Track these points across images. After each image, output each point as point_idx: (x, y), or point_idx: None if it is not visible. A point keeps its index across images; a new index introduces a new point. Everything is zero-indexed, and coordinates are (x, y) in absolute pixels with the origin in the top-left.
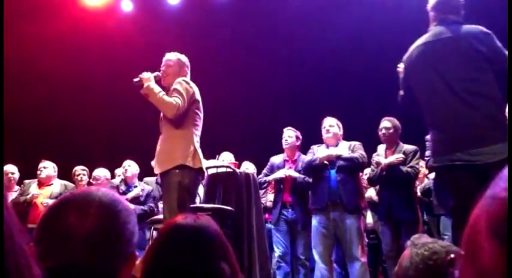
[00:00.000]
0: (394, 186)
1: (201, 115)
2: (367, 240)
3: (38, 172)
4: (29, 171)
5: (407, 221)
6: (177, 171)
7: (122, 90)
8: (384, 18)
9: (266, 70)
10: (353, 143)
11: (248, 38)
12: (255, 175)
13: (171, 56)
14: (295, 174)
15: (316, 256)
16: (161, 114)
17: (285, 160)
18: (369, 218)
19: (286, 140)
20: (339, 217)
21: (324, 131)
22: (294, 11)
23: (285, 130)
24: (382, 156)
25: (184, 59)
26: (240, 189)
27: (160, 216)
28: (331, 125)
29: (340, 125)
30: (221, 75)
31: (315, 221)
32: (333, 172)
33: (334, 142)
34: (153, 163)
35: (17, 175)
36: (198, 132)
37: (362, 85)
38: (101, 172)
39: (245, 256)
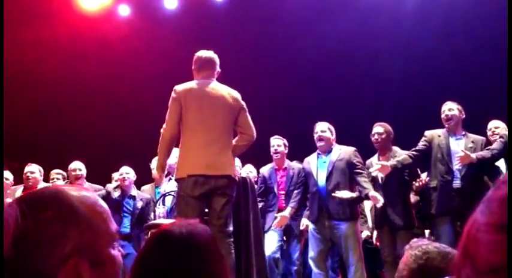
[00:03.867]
0: (390, 192)
1: (201, 114)
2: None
3: (24, 177)
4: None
5: (403, 228)
6: (178, 182)
7: (119, 94)
8: (379, 25)
9: (263, 74)
10: (348, 151)
11: (245, 43)
12: (252, 179)
13: None
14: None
15: (310, 261)
16: None
17: (275, 170)
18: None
19: (276, 149)
20: (334, 224)
21: (316, 137)
22: (292, 16)
23: (272, 139)
24: (375, 160)
25: (194, 58)
26: (238, 194)
27: (157, 221)
28: (322, 131)
29: (333, 129)
30: (218, 78)
31: (311, 226)
32: (321, 182)
33: (327, 148)
34: None
35: (9, 182)
36: (198, 134)
37: (358, 90)
38: (79, 166)
39: (242, 261)
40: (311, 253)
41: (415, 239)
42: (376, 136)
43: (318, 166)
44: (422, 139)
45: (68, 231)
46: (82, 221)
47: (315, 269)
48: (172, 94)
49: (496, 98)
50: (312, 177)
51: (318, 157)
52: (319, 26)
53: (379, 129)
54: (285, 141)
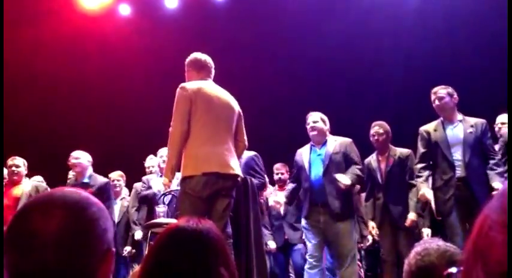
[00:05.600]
0: (391, 192)
1: (211, 113)
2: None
3: (9, 171)
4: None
5: (405, 228)
6: (185, 180)
7: (119, 93)
8: (380, 24)
9: (264, 73)
10: (344, 142)
11: (246, 42)
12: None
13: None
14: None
15: (308, 257)
16: None
17: None
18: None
19: None
20: (330, 221)
21: (308, 129)
22: (292, 15)
23: None
24: (373, 159)
25: (188, 60)
26: (238, 194)
27: (157, 220)
28: (314, 121)
29: (326, 119)
30: (219, 78)
31: (303, 222)
32: (315, 177)
33: (321, 139)
34: None
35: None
36: (208, 132)
37: (358, 90)
38: (81, 155)
39: (243, 262)
40: (308, 250)
41: (425, 238)
42: (376, 137)
43: (311, 160)
44: (420, 144)
45: (106, 226)
46: (108, 217)
47: (311, 265)
48: (181, 91)
49: (496, 98)
50: (304, 171)
51: (311, 150)
52: (320, 25)
53: (378, 129)
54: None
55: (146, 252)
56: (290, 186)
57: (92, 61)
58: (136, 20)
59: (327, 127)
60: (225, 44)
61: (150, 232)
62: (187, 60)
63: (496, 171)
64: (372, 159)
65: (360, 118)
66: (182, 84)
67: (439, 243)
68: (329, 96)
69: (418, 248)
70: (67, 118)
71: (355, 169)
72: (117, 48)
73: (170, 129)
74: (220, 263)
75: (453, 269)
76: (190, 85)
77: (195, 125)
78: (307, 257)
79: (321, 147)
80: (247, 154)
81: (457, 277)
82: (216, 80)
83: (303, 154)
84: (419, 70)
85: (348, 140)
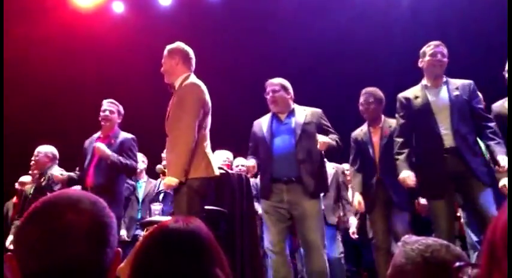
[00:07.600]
0: (387, 168)
1: (208, 117)
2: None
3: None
4: (21, 171)
5: (405, 208)
6: (192, 180)
7: (113, 91)
8: (374, 20)
9: (257, 70)
10: (315, 113)
11: (239, 39)
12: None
13: (164, 51)
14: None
15: (267, 248)
16: (167, 115)
17: (97, 138)
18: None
19: (107, 115)
20: (294, 197)
21: (268, 99)
22: (285, 11)
23: (105, 102)
24: (365, 130)
25: (177, 48)
26: (233, 190)
27: (152, 218)
28: (274, 90)
29: (287, 86)
30: (213, 75)
31: (263, 205)
32: (282, 148)
33: (284, 110)
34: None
35: None
36: (206, 136)
37: (352, 89)
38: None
39: (237, 259)
40: (267, 237)
41: (407, 236)
42: (365, 105)
43: (274, 130)
44: (398, 113)
45: (116, 225)
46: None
47: (273, 256)
48: (198, 91)
49: (494, 97)
50: (263, 143)
51: (272, 119)
52: (314, 22)
53: (368, 97)
54: (120, 108)
55: (134, 251)
56: (251, 157)
57: (85, 59)
58: (129, 17)
59: (289, 95)
60: (219, 41)
61: (145, 230)
62: (174, 47)
63: (496, 141)
64: (362, 132)
65: (354, 118)
66: (196, 82)
67: (431, 239)
68: (323, 93)
69: (416, 245)
70: (59, 117)
71: (334, 137)
72: (111, 46)
73: (181, 125)
74: (215, 262)
75: (459, 263)
76: (202, 85)
77: (201, 126)
78: (266, 250)
79: (288, 117)
80: (126, 135)
81: (465, 270)
82: (210, 77)
83: (262, 124)
84: (415, 69)
85: (318, 110)
